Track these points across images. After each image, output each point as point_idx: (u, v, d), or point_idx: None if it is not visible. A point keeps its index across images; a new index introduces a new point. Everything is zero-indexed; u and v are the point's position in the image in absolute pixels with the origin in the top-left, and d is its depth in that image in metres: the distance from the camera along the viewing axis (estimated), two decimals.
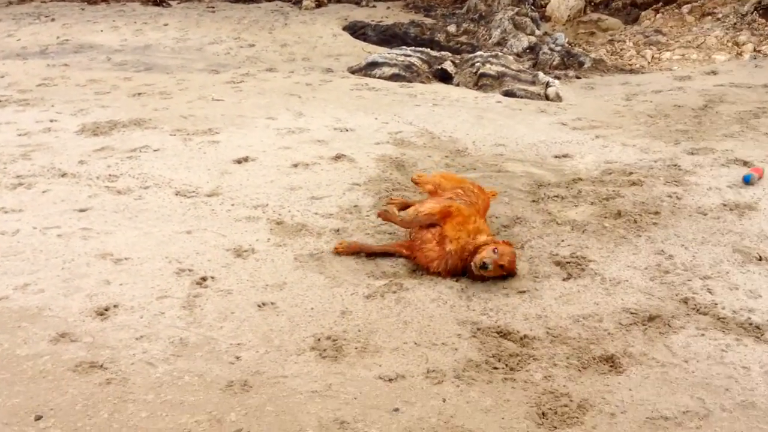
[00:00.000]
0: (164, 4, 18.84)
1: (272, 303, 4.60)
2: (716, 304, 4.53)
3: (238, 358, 4.02)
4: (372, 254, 5.22)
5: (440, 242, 4.96)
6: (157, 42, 14.25)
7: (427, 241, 5.02)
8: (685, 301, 4.57)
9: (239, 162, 7.11)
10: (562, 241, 5.46)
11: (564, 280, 4.90)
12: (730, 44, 12.09)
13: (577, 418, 3.53)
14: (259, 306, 4.56)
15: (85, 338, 4.18)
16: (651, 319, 4.38)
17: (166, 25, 16.11)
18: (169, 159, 7.17)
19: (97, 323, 4.33)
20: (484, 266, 4.65)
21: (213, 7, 18.58)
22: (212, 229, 5.65)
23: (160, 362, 3.96)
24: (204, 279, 4.87)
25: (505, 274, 4.81)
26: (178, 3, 19.31)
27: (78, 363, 3.93)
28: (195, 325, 4.33)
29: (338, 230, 5.63)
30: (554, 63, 11.92)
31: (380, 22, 16.15)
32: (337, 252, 5.22)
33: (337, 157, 7.28)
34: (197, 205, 6.09)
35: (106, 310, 4.46)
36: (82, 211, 5.92)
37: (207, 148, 7.53)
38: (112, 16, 17.38)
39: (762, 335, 4.17)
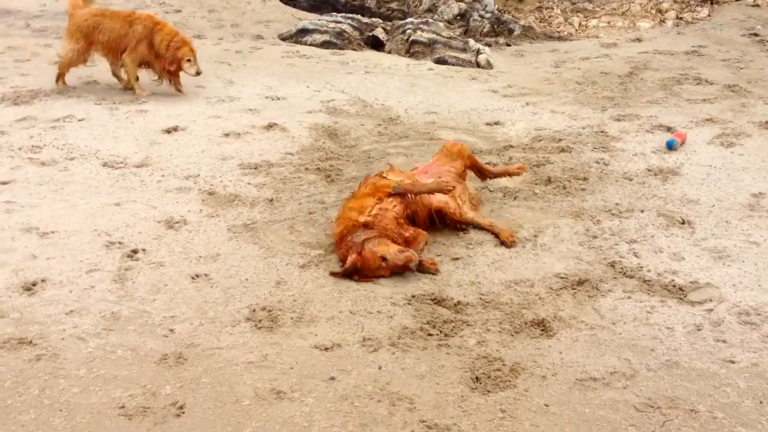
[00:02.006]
0: None
1: (206, 274, 4.56)
2: (642, 267, 4.67)
3: (172, 330, 3.98)
4: None
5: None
6: None
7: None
8: (613, 264, 4.71)
9: (168, 132, 6.97)
10: (495, 207, 5.54)
11: (496, 246, 4.98)
12: (653, 11, 12.34)
13: (510, 381, 3.61)
14: (192, 278, 4.51)
15: (12, 314, 4.07)
16: (580, 283, 4.50)
17: None
18: (95, 129, 6.98)
19: (25, 298, 4.22)
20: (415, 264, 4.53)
21: None
22: (142, 200, 5.55)
23: (91, 337, 3.89)
24: (135, 251, 4.79)
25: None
26: None
27: (6, 339, 3.84)
28: (127, 298, 4.26)
29: (271, 200, 5.59)
30: (485, 30, 11.98)
31: None
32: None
33: (269, 126, 7.20)
34: (126, 176, 5.96)
35: (34, 285, 4.36)
36: (4, 183, 5.73)
37: (135, 117, 7.35)
38: None
39: (685, 296, 4.33)
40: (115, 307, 4.17)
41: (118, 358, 3.73)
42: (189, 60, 7.93)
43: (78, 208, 5.36)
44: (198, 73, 8.04)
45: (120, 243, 4.89)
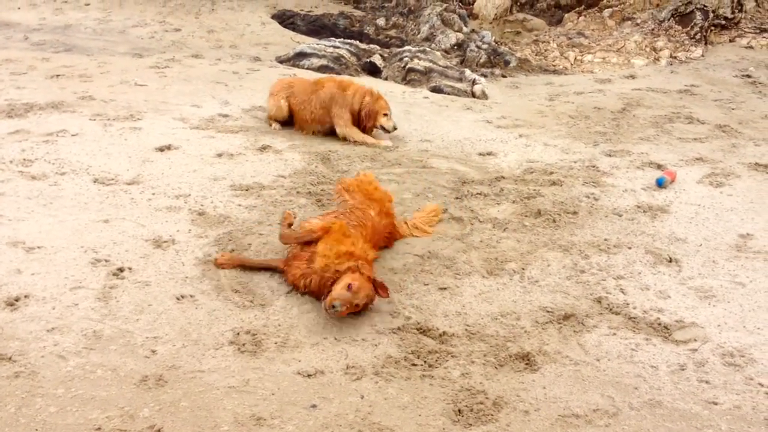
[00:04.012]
0: None
1: (191, 296, 4.53)
2: (628, 304, 4.67)
3: (153, 351, 3.95)
4: (252, 268, 4.87)
5: (310, 259, 4.63)
6: (78, 22, 13.80)
7: (298, 257, 4.70)
8: (599, 300, 4.71)
9: (161, 150, 6.96)
10: (484, 238, 5.54)
11: (484, 277, 4.98)
12: (648, 49, 12.46)
13: (492, 415, 3.59)
14: (177, 299, 4.49)
15: None
16: (566, 317, 4.49)
17: (87, 5, 15.62)
18: (88, 144, 6.97)
19: (6, 314, 4.18)
20: (333, 308, 4.17)
21: None
22: (131, 218, 5.53)
23: (71, 355, 3.85)
24: (121, 270, 4.76)
25: (358, 311, 4.39)
26: None
27: None
28: (110, 317, 4.23)
29: (260, 222, 5.58)
30: (481, 61, 12.06)
31: (309, 12, 16.04)
32: (219, 265, 4.84)
33: (263, 148, 7.21)
34: (116, 194, 5.94)
35: (17, 300, 4.32)
36: None
37: (128, 134, 7.34)
38: None
39: (670, 335, 4.33)
40: (97, 325, 4.13)
41: (97, 378, 3.70)
42: (386, 114, 7.76)
43: (66, 224, 5.34)
44: (394, 128, 7.80)
45: (106, 261, 4.86)
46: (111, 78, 9.61)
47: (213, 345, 4.05)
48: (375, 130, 7.88)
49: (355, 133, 7.74)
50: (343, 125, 7.75)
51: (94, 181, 6.14)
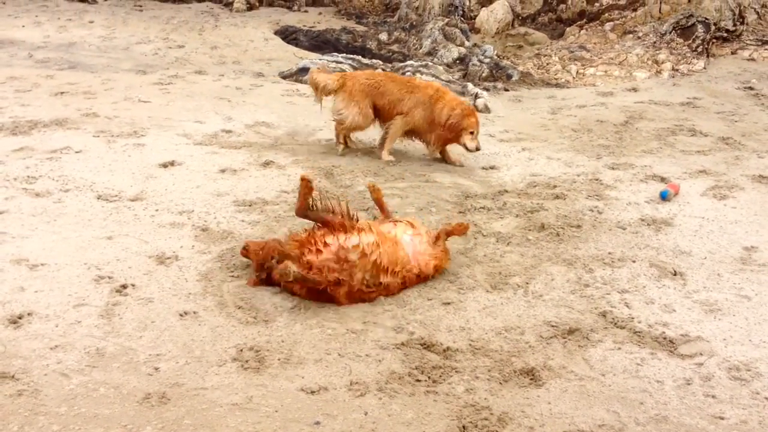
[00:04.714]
0: (90, 0, 18.30)
1: (194, 312, 4.52)
2: (633, 318, 4.65)
3: (156, 369, 3.94)
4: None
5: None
6: (82, 40, 13.86)
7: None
8: (604, 314, 4.68)
9: (165, 166, 6.98)
10: (488, 252, 5.53)
11: (488, 292, 4.96)
12: (650, 62, 12.47)
13: (497, 431, 3.57)
14: (180, 315, 4.48)
15: None
16: (571, 332, 4.47)
17: (91, 22, 15.70)
18: (92, 161, 6.99)
19: (10, 332, 4.18)
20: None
21: (141, 6, 18.17)
22: (134, 234, 5.53)
23: (74, 373, 3.84)
24: (124, 286, 4.76)
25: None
26: (105, 0, 18.80)
27: None
28: (113, 334, 4.22)
29: (263, 238, 5.56)
30: (483, 75, 12.08)
31: (312, 27, 16.09)
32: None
33: (266, 164, 7.22)
34: (120, 210, 5.95)
35: (20, 318, 4.32)
36: None
37: (132, 150, 7.36)
38: (35, 11, 16.84)
39: (675, 349, 4.30)
40: (100, 343, 4.13)
41: (100, 396, 3.68)
42: (471, 132, 7.42)
43: (69, 241, 5.34)
44: (477, 149, 7.50)
45: (109, 277, 4.86)
46: (115, 95, 9.65)
47: (216, 362, 4.04)
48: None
49: (393, 134, 7.61)
50: (401, 122, 7.54)
51: (98, 198, 6.15)
